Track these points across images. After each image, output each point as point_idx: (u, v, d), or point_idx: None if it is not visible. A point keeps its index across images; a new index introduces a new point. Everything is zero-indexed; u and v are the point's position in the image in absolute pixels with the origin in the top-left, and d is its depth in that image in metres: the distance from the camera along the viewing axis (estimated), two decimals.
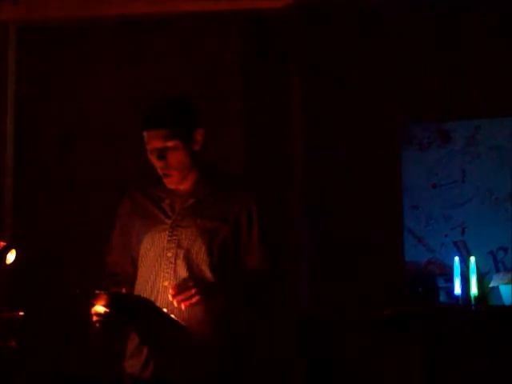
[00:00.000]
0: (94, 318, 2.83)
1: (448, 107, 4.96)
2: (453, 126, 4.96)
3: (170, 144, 2.94)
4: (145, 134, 2.98)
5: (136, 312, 2.84)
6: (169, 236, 2.98)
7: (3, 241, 3.84)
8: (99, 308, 2.81)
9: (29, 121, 5.27)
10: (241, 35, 5.17)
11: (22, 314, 3.90)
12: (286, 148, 5.10)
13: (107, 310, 2.80)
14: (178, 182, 3.02)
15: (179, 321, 2.87)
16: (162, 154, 2.95)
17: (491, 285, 4.70)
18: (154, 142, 2.95)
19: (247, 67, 5.16)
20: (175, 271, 2.95)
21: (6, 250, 3.75)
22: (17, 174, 5.25)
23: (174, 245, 2.97)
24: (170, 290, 2.88)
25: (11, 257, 3.78)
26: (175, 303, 2.86)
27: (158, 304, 2.91)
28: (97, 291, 2.79)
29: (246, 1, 5.09)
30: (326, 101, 5.09)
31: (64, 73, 5.29)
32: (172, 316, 2.88)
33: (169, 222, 3.00)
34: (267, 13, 5.11)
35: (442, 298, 4.74)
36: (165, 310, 2.89)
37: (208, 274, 2.94)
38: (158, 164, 2.98)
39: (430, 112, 4.98)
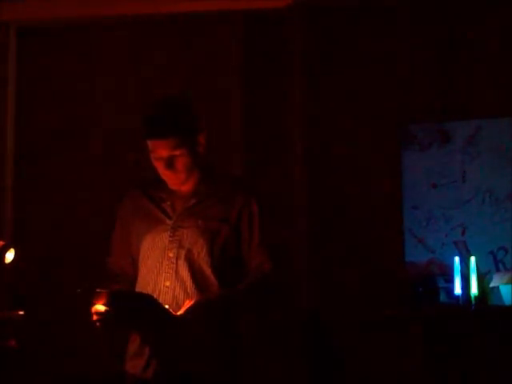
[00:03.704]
0: (95, 317, 2.79)
1: (448, 107, 4.96)
2: (453, 126, 4.97)
3: (177, 152, 2.91)
4: (150, 142, 2.92)
5: (137, 310, 2.83)
6: (170, 236, 2.98)
7: (3, 240, 3.84)
8: (99, 307, 2.77)
9: (29, 121, 5.28)
10: (241, 35, 5.17)
11: (22, 313, 3.90)
12: (285, 148, 5.10)
13: (108, 309, 2.77)
14: (182, 183, 3.01)
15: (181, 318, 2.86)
16: (169, 162, 2.92)
17: (491, 285, 4.70)
18: (160, 151, 2.91)
19: (247, 67, 5.17)
20: (176, 271, 2.94)
21: (5, 249, 3.75)
22: (17, 173, 5.25)
23: (175, 245, 2.96)
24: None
25: (10, 256, 3.78)
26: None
27: None
28: (97, 290, 2.78)
29: (247, 1, 5.09)
30: (326, 101, 5.10)
31: (64, 73, 5.29)
32: (173, 312, 2.87)
33: (170, 222, 2.99)
34: (267, 13, 5.11)
35: (442, 298, 4.74)
36: (166, 306, 2.88)
37: (209, 274, 2.94)
38: (165, 172, 2.96)
39: (430, 112, 4.98)
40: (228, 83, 5.17)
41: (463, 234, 4.88)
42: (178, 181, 2.99)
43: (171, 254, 2.96)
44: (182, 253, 2.95)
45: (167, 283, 2.95)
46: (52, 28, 5.30)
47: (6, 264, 3.76)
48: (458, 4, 4.97)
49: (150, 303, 2.82)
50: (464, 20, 4.98)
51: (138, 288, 3.01)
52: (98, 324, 2.80)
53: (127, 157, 5.04)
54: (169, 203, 3.03)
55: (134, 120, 5.03)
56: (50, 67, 5.29)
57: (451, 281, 4.65)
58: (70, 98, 5.28)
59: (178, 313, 2.84)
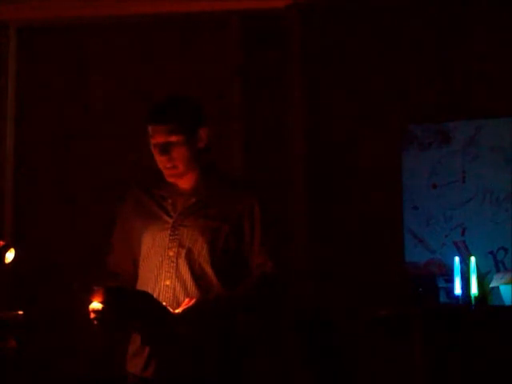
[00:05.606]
0: (92, 315, 2.79)
1: (448, 107, 4.96)
2: (453, 126, 4.96)
3: (173, 139, 2.95)
4: (149, 128, 3.00)
5: (135, 308, 2.82)
6: (170, 235, 2.98)
7: (3, 240, 3.84)
8: (97, 304, 2.77)
9: (29, 121, 5.28)
10: (240, 35, 5.17)
11: (21, 313, 3.90)
12: (285, 148, 5.10)
13: (105, 307, 2.77)
14: (178, 175, 3.01)
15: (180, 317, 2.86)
16: (165, 148, 2.96)
17: (491, 285, 4.70)
18: (157, 136, 2.97)
19: (247, 67, 5.17)
20: (177, 270, 2.95)
21: (5, 248, 3.75)
22: (17, 174, 5.25)
23: (175, 244, 2.97)
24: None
25: (10, 256, 3.78)
26: None
27: None
28: (94, 287, 2.77)
29: (246, 1, 5.09)
30: (326, 101, 5.10)
31: (64, 73, 5.30)
32: (172, 310, 2.86)
33: (170, 221, 3.00)
34: (267, 13, 5.12)
35: (442, 298, 4.73)
36: (163, 303, 2.88)
37: (210, 273, 2.94)
38: (160, 158, 2.99)
39: (431, 112, 4.97)
40: (227, 83, 5.17)
41: (463, 233, 4.87)
42: (174, 171, 3.00)
43: (171, 253, 2.96)
44: (183, 252, 2.95)
45: (167, 282, 2.95)
46: (52, 28, 5.30)
47: (6, 264, 3.76)
48: (458, 4, 4.98)
49: (147, 300, 2.81)
50: (464, 20, 4.97)
51: (139, 287, 3.01)
52: (95, 322, 2.80)
53: (127, 157, 5.04)
54: (170, 201, 3.04)
55: (134, 120, 5.04)
56: (50, 67, 5.30)
57: (451, 281, 4.64)
58: (69, 98, 5.28)
59: (176, 311, 2.84)
